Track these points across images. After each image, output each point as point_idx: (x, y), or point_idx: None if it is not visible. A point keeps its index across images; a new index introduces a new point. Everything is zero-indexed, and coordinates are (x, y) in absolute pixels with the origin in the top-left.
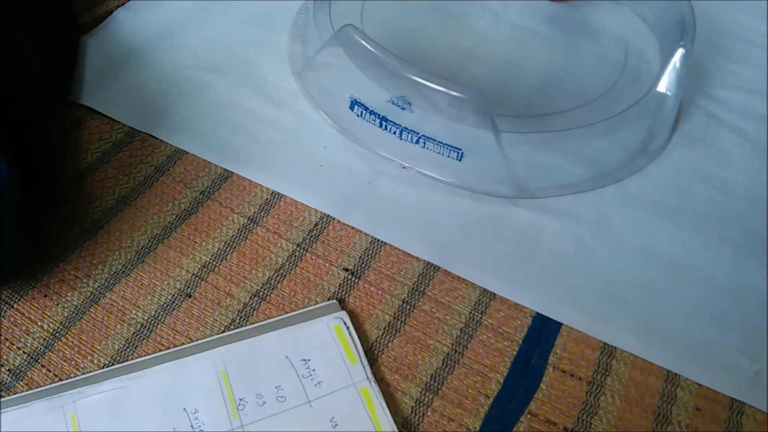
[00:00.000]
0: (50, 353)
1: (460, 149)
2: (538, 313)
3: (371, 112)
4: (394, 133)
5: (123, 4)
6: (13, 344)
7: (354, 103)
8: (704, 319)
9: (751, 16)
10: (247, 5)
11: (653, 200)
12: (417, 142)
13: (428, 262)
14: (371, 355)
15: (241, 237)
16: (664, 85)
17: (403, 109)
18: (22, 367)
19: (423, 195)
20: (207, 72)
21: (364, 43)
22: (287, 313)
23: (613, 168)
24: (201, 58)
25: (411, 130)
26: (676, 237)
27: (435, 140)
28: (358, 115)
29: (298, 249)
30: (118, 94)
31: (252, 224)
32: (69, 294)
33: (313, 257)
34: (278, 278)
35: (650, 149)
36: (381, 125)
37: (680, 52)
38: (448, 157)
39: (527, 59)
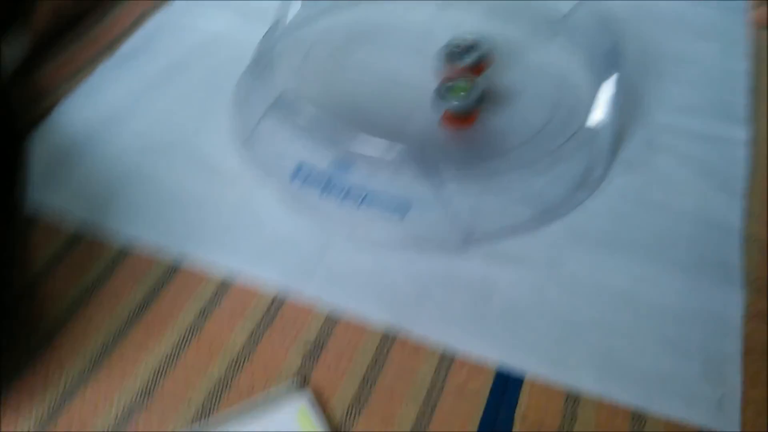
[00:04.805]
0: None
1: (405, 206)
2: (499, 370)
3: (313, 179)
4: (337, 197)
5: (70, 91)
6: None
7: (297, 170)
8: (663, 350)
9: (676, 34)
10: (189, 81)
11: (599, 233)
12: (361, 203)
13: (385, 333)
14: None
15: (194, 330)
16: (597, 116)
17: (345, 170)
18: None
19: (375, 258)
20: (153, 153)
21: (300, 108)
22: (250, 398)
23: (554, 204)
24: (147, 140)
25: (354, 193)
26: (625, 268)
27: (378, 200)
28: (302, 182)
29: (255, 332)
30: (67, 188)
31: (205, 314)
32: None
33: (270, 340)
34: (237, 367)
35: (590, 181)
36: (324, 190)
37: (612, 80)
38: (392, 215)
39: None
